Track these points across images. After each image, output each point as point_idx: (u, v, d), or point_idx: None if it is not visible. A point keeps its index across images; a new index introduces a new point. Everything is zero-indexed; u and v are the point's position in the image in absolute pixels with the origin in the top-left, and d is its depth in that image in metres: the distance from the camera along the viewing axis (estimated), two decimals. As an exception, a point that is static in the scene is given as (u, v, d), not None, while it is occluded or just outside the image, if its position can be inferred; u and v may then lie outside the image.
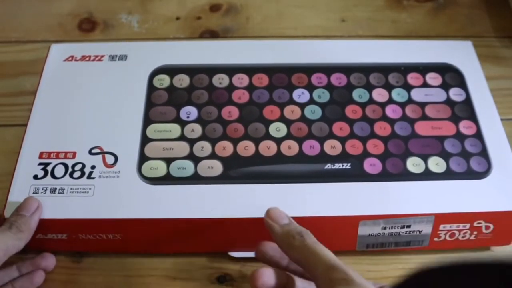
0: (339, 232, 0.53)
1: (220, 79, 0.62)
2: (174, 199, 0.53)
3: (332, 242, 0.51)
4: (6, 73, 0.70)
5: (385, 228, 0.53)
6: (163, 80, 0.62)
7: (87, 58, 0.64)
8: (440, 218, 0.53)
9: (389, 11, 0.77)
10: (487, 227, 0.53)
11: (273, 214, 0.48)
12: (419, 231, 0.53)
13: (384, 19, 0.76)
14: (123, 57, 0.64)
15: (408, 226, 0.53)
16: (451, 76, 0.62)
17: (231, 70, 0.62)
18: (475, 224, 0.53)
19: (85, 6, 0.77)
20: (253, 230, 0.52)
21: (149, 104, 0.60)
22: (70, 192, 0.54)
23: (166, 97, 0.60)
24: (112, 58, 0.63)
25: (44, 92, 0.61)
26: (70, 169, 0.55)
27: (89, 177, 0.55)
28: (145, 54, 0.64)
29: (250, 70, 0.63)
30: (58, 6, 0.77)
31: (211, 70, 0.62)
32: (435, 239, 0.54)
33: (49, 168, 0.55)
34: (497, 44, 0.73)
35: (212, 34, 0.74)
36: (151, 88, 0.61)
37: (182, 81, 0.62)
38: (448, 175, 0.55)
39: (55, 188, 0.54)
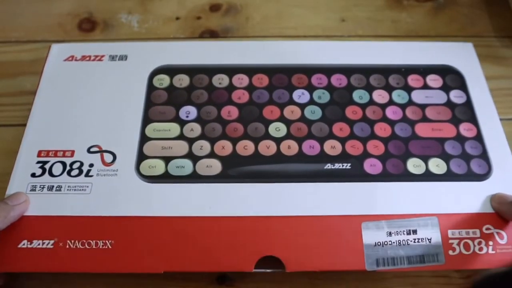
0: (342, 238, 0.52)
1: (220, 79, 0.61)
2: (172, 197, 0.53)
3: (338, 258, 0.51)
4: (6, 73, 0.69)
5: (390, 234, 0.52)
6: (163, 80, 0.61)
7: (87, 58, 0.63)
8: (444, 221, 0.52)
9: (389, 11, 0.76)
10: (500, 235, 0.52)
11: (498, 198, 0.53)
12: (428, 239, 0.52)
13: (384, 19, 0.75)
14: (123, 57, 0.63)
15: (415, 232, 0.52)
16: (451, 78, 0.62)
17: (231, 70, 0.62)
18: (484, 230, 0.52)
19: (85, 6, 0.76)
20: (251, 230, 0.52)
21: (149, 103, 0.59)
22: (68, 190, 0.54)
23: (166, 96, 0.60)
24: (112, 58, 0.63)
25: (44, 92, 0.60)
26: (68, 167, 0.55)
27: (87, 175, 0.54)
28: (145, 54, 0.63)
29: (250, 70, 0.62)
30: (58, 6, 0.76)
31: (211, 70, 0.62)
32: (450, 252, 0.52)
33: (47, 166, 0.55)
34: (497, 44, 0.73)
35: (212, 34, 0.73)
36: (151, 88, 0.61)
37: (182, 81, 0.61)
38: (448, 176, 0.55)
39: (52, 186, 0.54)
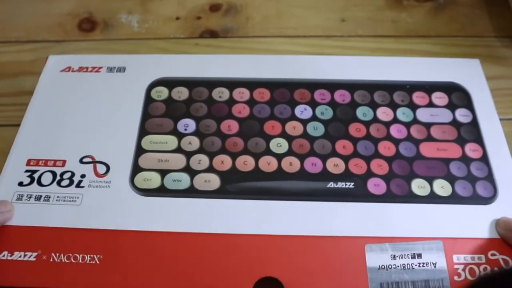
0: (345, 260, 0.48)
1: (220, 93, 0.57)
2: (167, 212, 0.50)
3: (341, 281, 0.47)
4: (6, 73, 0.66)
5: (394, 258, 0.48)
6: (161, 92, 0.57)
7: (85, 69, 0.60)
8: (449, 245, 0.48)
9: (389, 11, 0.72)
10: (505, 262, 0.48)
11: (503, 223, 0.49)
12: (433, 263, 0.48)
13: (384, 19, 0.71)
14: (121, 69, 0.59)
15: (419, 256, 0.48)
16: (457, 96, 0.58)
17: (231, 84, 0.58)
18: (490, 256, 0.48)
19: (85, 6, 0.73)
20: (249, 250, 0.48)
21: (146, 115, 0.56)
22: (57, 200, 0.50)
23: (164, 109, 0.56)
24: (110, 69, 0.59)
25: (38, 101, 0.57)
26: (58, 177, 0.52)
27: (77, 185, 0.51)
28: (143, 66, 0.60)
29: (251, 84, 0.58)
30: (58, 6, 0.73)
31: (211, 83, 0.58)
32: (455, 277, 0.48)
33: (36, 175, 0.52)
34: (497, 44, 0.69)
35: (212, 34, 0.70)
36: (148, 100, 0.57)
37: (181, 93, 0.58)
38: (453, 199, 0.51)
39: (40, 196, 0.51)
